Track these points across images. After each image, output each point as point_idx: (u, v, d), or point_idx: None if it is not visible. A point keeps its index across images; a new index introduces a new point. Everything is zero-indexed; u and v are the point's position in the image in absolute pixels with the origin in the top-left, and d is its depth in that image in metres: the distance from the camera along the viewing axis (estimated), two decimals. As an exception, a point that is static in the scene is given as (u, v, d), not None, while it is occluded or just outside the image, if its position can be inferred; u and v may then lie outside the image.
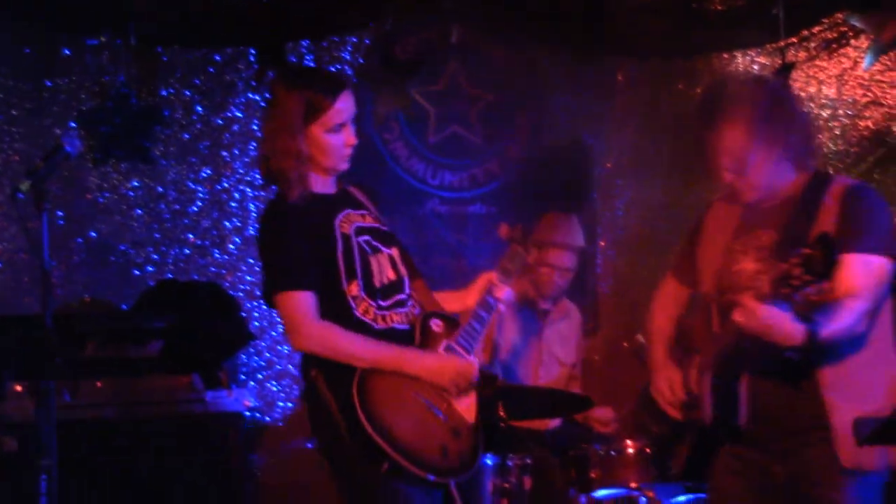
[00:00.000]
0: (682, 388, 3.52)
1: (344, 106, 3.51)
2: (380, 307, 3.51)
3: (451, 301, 3.82)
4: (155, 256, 6.03)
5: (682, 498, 4.65)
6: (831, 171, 6.26)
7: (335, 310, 3.44)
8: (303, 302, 3.40)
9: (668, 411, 3.57)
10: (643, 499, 4.65)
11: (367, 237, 3.57)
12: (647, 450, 4.71)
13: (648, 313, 3.85)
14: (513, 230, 3.90)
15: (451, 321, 3.68)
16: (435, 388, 3.48)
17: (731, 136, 3.31)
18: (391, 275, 3.59)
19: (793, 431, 3.29)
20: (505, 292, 3.73)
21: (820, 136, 6.38)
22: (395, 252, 3.64)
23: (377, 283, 3.53)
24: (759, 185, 3.35)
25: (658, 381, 3.61)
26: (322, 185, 3.58)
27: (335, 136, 3.50)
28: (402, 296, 3.61)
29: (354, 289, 3.47)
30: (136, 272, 5.99)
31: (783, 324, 3.02)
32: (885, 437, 2.97)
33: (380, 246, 3.59)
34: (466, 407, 3.54)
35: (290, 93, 3.48)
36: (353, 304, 3.46)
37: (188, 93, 6.09)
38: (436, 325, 3.63)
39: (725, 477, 3.47)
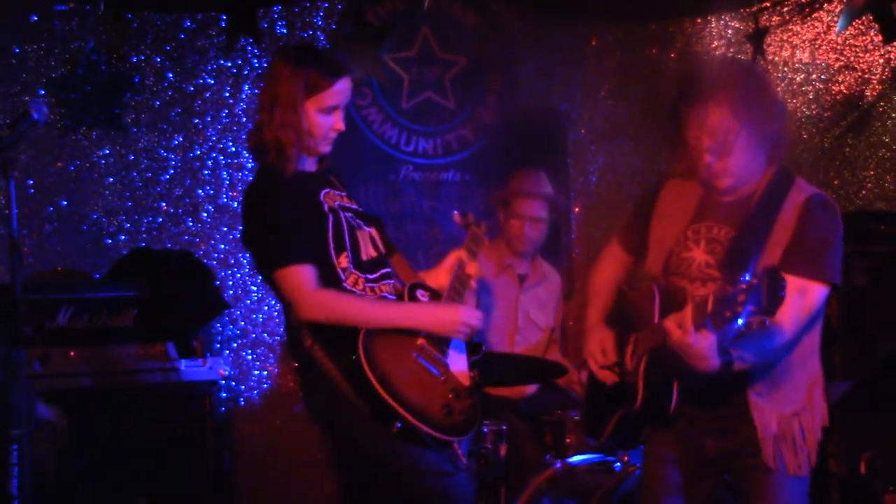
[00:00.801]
0: (615, 351, 3.52)
1: (341, 89, 3.54)
2: (368, 280, 3.55)
3: (425, 277, 3.84)
4: (127, 225, 5.99)
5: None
6: (805, 137, 6.31)
7: (324, 282, 3.46)
8: (305, 275, 3.42)
9: (598, 373, 3.57)
10: (618, 464, 4.68)
11: (349, 213, 3.61)
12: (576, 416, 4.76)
13: (590, 273, 3.85)
14: (465, 217, 3.94)
15: (435, 292, 3.71)
16: (432, 350, 3.51)
17: (717, 116, 3.27)
18: (373, 252, 3.63)
19: (723, 415, 3.33)
20: (474, 268, 3.76)
21: (794, 100, 6.40)
22: (374, 231, 3.69)
23: (364, 257, 3.57)
24: (736, 170, 3.33)
25: (590, 342, 3.62)
26: (303, 163, 3.60)
27: (326, 117, 3.53)
28: (387, 269, 3.67)
29: (344, 261, 3.50)
30: (109, 241, 5.95)
31: (703, 354, 3.05)
32: (854, 403, 2.99)
33: (361, 224, 3.64)
34: (461, 370, 3.58)
35: (293, 67, 3.49)
36: (343, 276, 3.50)
37: (159, 59, 6.02)
38: (422, 294, 3.67)
39: (662, 441, 3.50)
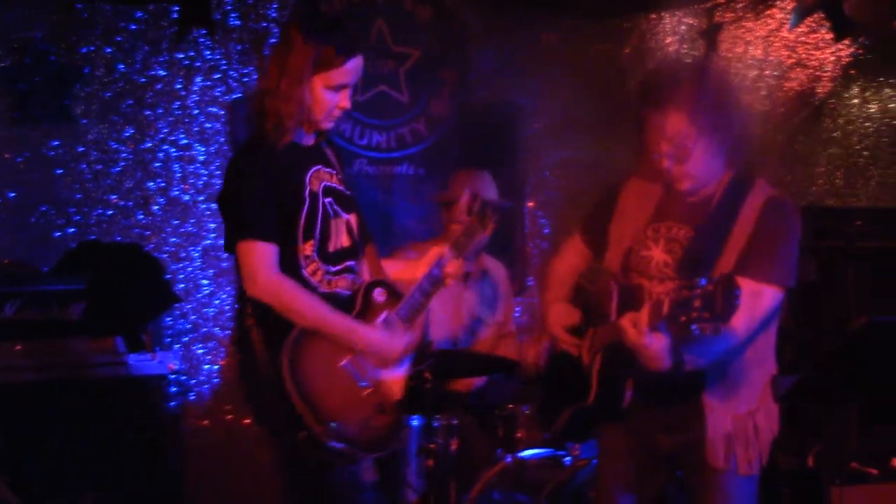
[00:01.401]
0: (575, 315, 3.53)
1: (352, 68, 3.48)
2: (328, 271, 3.52)
3: (401, 270, 3.81)
4: (77, 217, 5.93)
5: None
6: (757, 133, 6.34)
7: (284, 264, 3.43)
8: (265, 252, 3.39)
9: (563, 338, 3.55)
10: (568, 458, 4.68)
11: (331, 199, 3.56)
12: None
13: (550, 262, 3.85)
14: (473, 202, 3.80)
15: (395, 291, 3.66)
16: (363, 361, 3.47)
17: (675, 122, 3.26)
18: (345, 241, 3.58)
19: (676, 412, 3.34)
20: (454, 267, 3.71)
21: (747, 96, 6.44)
22: (352, 218, 3.64)
23: (331, 248, 3.53)
24: (695, 174, 3.33)
25: (550, 313, 3.62)
26: (300, 136, 3.55)
27: (333, 94, 3.48)
28: (352, 262, 3.61)
29: (308, 248, 3.47)
30: (57, 234, 5.88)
31: (656, 355, 3.06)
32: (801, 395, 3.01)
33: (340, 211, 3.59)
34: (395, 380, 3.54)
35: (306, 40, 3.42)
36: (303, 263, 3.47)
37: (109, 50, 5.96)
38: (379, 294, 3.62)
39: (616, 434, 3.50)
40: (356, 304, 3.56)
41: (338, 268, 3.55)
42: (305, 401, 3.30)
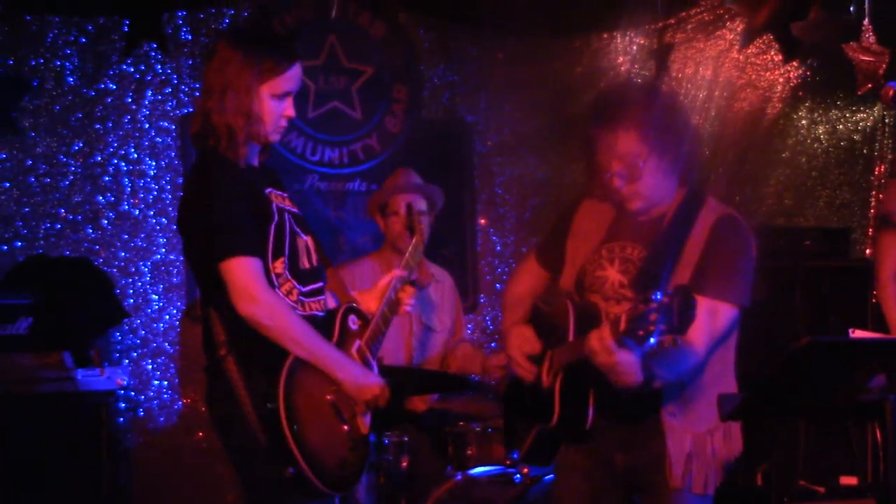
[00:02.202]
0: (536, 342, 3.50)
1: (294, 74, 3.40)
2: (301, 291, 3.40)
3: (356, 300, 3.72)
4: (24, 231, 5.87)
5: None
6: (707, 153, 6.41)
7: None
8: (257, 268, 3.25)
9: (522, 364, 3.53)
10: (518, 476, 4.68)
11: (291, 218, 3.46)
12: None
13: (507, 285, 3.85)
14: (410, 215, 3.95)
15: (366, 319, 3.58)
16: (346, 395, 3.37)
17: (626, 142, 3.27)
18: (306, 263, 3.46)
19: (635, 430, 3.35)
20: (411, 295, 3.71)
21: (697, 117, 6.50)
22: (310, 241, 3.52)
23: (300, 266, 3.42)
24: (646, 194, 3.34)
25: (511, 337, 3.58)
26: (250, 156, 3.44)
27: (279, 103, 3.39)
28: (320, 284, 3.50)
29: (279, 266, 3.34)
30: (4, 247, 5.82)
31: (627, 370, 3.05)
32: (746, 412, 3.03)
33: (299, 231, 3.47)
34: (364, 415, 3.44)
35: (246, 51, 3.34)
36: (276, 282, 3.33)
37: (59, 63, 5.92)
38: (353, 321, 3.54)
39: (574, 453, 3.50)
40: (334, 332, 3.46)
41: (308, 289, 3.44)
42: (296, 437, 3.20)
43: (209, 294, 3.36)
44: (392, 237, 5.25)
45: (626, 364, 3.03)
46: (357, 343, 3.51)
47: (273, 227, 3.35)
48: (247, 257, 3.24)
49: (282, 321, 3.25)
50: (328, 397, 3.34)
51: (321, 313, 3.46)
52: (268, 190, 3.42)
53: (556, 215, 3.74)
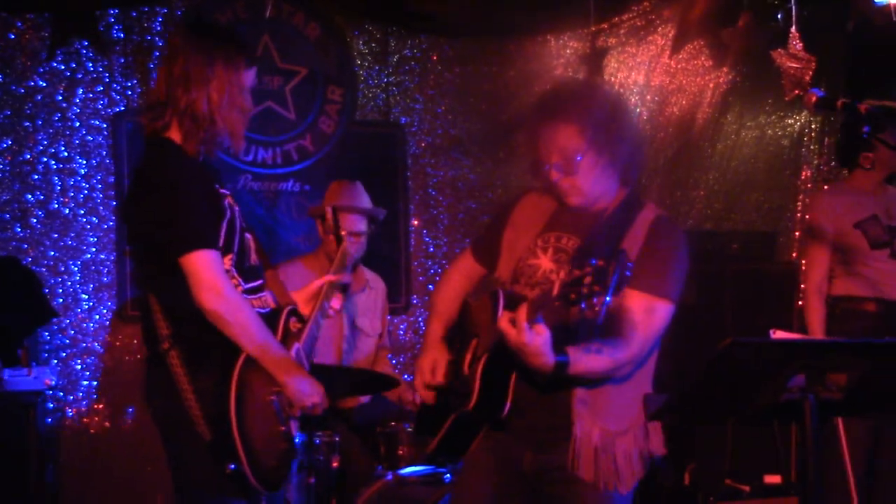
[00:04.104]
0: (446, 373, 3.50)
1: (253, 71, 3.42)
2: (244, 289, 3.39)
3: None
4: (-48, 230, 5.81)
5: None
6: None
7: None
8: (218, 262, 3.26)
9: (420, 392, 3.55)
10: (448, 476, 4.71)
11: (239, 215, 3.45)
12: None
13: (438, 285, 3.85)
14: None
15: (303, 321, 3.59)
16: (285, 396, 3.36)
17: (565, 135, 3.29)
18: (251, 260, 3.47)
19: (547, 428, 3.36)
20: (338, 299, 3.73)
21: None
22: (250, 238, 3.51)
23: (247, 263, 3.43)
24: (584, 189, 3.35)
25: (423, 360, 3.58)
26: (202, 151, 3.43)
27: (242, 95, 3.38)
28: (260, 282, 3.50)
29: (227, 262, 3.34)
30: (-69, 246, 5.75)
31: (539, 352, 3.04)
32: (671, 413, 3.06)
33: (245, 228, 3.48)
34: (296, 419, 3.46)
35: (212, 44, 3.32)
36: None
37: (-13, 59, 5.87)
38: (293, 324, 3.54)
39: (479, 452, 3.50)
40: (278, 331, 3.45)
41: (251, 285, 3.43)
42: (241, 434, 3.20)
43: (153, 286, 3.36)
44: (328, 249, 5.25)
45: (538, 344, 3.01)
46: (296, 346, 3.52)
47: (225, 223, 3.35)
48: (210, 251, 3.25)
49: (242, 317, 3.27)
50: (270, 397, 3.33)
51: (263, 310, 3.45)
52: (216, 186, 3.42)
53: (495, 210, 3.75)
